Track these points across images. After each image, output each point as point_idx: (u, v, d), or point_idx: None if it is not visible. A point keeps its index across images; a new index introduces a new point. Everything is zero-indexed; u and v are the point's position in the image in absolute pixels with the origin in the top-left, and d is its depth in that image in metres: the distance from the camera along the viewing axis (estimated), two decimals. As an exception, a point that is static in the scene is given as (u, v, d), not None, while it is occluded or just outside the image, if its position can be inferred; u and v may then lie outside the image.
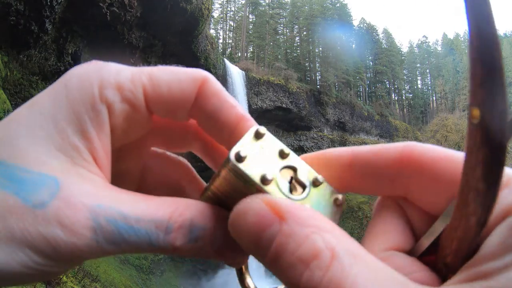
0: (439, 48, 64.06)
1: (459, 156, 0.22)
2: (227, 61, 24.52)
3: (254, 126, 0.25)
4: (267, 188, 0.23)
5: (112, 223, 0.22)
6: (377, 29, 53.89)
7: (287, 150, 0.25)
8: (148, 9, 14.40)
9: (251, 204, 0.21)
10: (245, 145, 0.24)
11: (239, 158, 0.23)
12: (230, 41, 44.89)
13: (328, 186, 0.25)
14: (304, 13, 41.86)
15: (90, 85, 0.25)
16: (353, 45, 48.56)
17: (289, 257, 0.19)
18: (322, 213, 0.22)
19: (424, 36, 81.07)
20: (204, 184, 0.33)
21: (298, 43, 42.39)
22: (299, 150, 31.13)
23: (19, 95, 11.66)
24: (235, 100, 0.28)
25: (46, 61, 12.63)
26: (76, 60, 13.73)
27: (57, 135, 0.23)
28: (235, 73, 24.88)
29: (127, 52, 15.34)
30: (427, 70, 61.18)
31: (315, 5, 41.76)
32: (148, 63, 17.02)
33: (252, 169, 0.23)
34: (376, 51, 51.25)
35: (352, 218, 23.33)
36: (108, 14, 13.01)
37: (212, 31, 39.78)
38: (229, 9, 45.02)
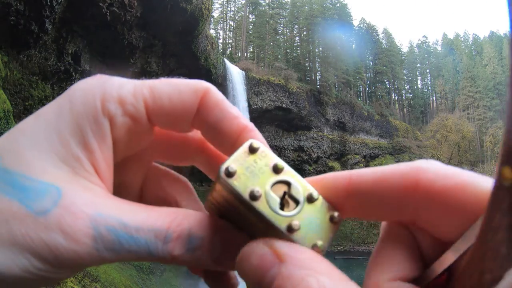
0: (439, 48, 64.04)
1: (473, 183, 0.21)
2: (227, 61, 24.51)
3: (249, 140, 0.25)
4: (255, 204, 0.23)
5: (112, 232, 0.22)
6: (377, 29, 53.87)
7: (281, 164, 0.25)
8: (148, 9, 14.40)
9: (255, 247, 0.22)
10: (237, 160, 0.24)
11: (229, 173, 0.23)
12: (230, 41, 44.91)
13: (324, 202, 0.24)
14: (304, 13, 41.85)
15: (93, 99, 0.25)
16: (353, 45, 48.54)
17: None
18: (313, 231, 0.23)
19: (424, 36, 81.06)
20: (201, 204, 0.33)
21: (298, 43, 42.37)
22: (299, 150, 31.14)
23: (19, 95, 11.66)
24: (237, 110, 0.28)
25: (46, 61, 12.63)
26: (76, 60, 13.74)
27: (60, 146, 0.24)
28: (235, 73, 24.88)
29: (127, 52, 15.34)
30: (427, 70, 61.15)
31: (315, 5, 41.75)
32: (148, 63, 17.02)
33: (242, 184, 0.23)
34: (376, 51, 51.22)
35: (352, 218, 23.32)
36: (108, 14, 13.01)
37: (212, 31, 39.84)
38: (229, 9, 45.04)
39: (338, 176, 0.24)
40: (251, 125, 0.28)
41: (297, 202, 0.24)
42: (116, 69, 16.09)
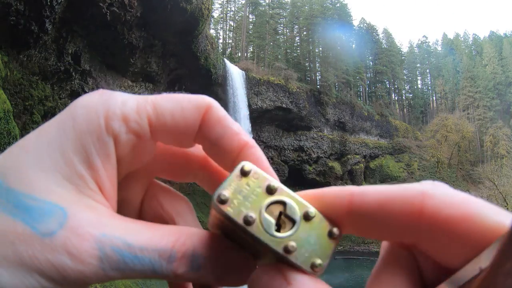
0: (439, 48, 64.05)
1: (480, 214, 0.20)
2: (227, 61, 24.52)
3: (240, 163, 0.25)
4: (250, 228, 0.23)
5: (117, 253, 0.23)
6: (377, 29, 53.91)
7: (275, 184, 0.24)
8: (148, 9, 14.40)
9: (266, 270, 0.23)
10: (230, 185, 0.24)
11: (221, 201, 0.23)
12: (230, 41, 44.92)
13: (322, 219, 0.24)
14: (304, 13, 41.86)
15: (96, 117, 0.25)
16: (353, 45, 48.55)
17: None
18: (312, 249, 0.23)
19: (424, 36, 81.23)
20: (198, 222, 0.33)
21: (298, 43, 42.39)
22: (299, 150, 31.14)
23: (19, 95, 11.66)
24: (239, 126, 0.28)
25: (46, 61, 12.63)
26: (76, 60, 13.74)
27: (64, 165, 0.24)
28: (235, 73, 24.88)
29: (127, 52, 15.35)
30: (427, 70, 61.17)
31: (315, 5, 41.76)
32: (148, 63, 17.02)
33: (235, 210, 0.23)
34: (376, 51, 51.23)
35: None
36: (108, 14, 13.01)
37: (212, 31, 39.81)
38: (229, 9, 45.05)
39: (339, 194, 0.24)
40: (252, 142, 0.28)
41: (293, 221, 0.24)
42: (116, 69, 16.11)
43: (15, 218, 0.22)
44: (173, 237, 0.25)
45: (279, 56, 39.21)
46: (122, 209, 0.29)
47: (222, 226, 0.25)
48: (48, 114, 12.86)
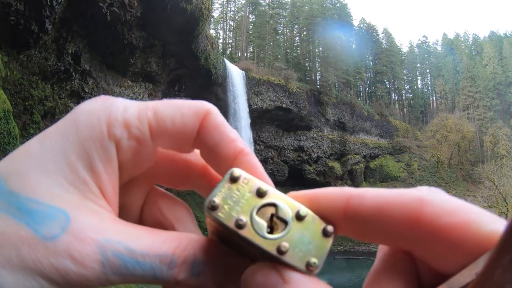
0: (439, 48, 64.09)
1: (477, 222, 0.21)
2: (227, 61, 24.52)
3: (230, 170, 0.25)
4: (242, 232, 0.23)
5: (119, 258, 0.23)
6: (377, 29, 53.93)
7: (265, 187, 0.25)
8: (148, 9, 14.40)
9: (261, 267, 0.23)
10: (220, 191, 0.24)
11: (212, 207, 0.24)
12: (230, 41, 44.93)
13: (314, 217, 0.24)
14: (304, 13, 41.88)
15: (98, 123, 0.26)
16: (353, 45, 48.58)
17: None
18: (305, 249, 0.23)
19: (424, 36, 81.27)
20: (198, 229, 0.34)
21: (298, 43, 42.40)
22: (299, 150, 31.14)
23: (19, 95, 11.66)
24: (236, 133, 0.29)
25: (46, 61, 12.63)
26: (76, 60, 13.74)
27: (67, 170, 0.25)
28: (235, 73, 24.89)
29: (127, 52, 15.35)
30: (427, 70, 61.19)
31: (315, 5, 41.77)
32: (148, 63, 17.02)
33: (227, 215, 0.24)
34: (376, 51, 51.25)
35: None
36: (108, 14, 13.01)
37: (212, 31, 39.82)
38: (229, 9, 45.06)
39: (335, 196, 0.24)
40: (247, 149, 0.28)
41: (285, 222, 0.24)
42: (116, 69, 16.10)
43: (19, 221, 0.22)
44: (174, 243, 0.25)
45: (279, 56, 39.22)
46: (123, 214, 0.29)
47: (218, 232, 0.26)
48: (48, 114, 12.86)
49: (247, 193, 0.24)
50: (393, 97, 54.38)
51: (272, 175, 29.58)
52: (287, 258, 0.23)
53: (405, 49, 62.95)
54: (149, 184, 0.34)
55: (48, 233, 0.22)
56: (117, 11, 13.23)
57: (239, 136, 0.29)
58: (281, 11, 43.20)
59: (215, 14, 43.23)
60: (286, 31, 43.58)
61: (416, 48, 63.65)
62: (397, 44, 57.50)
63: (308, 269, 0.23)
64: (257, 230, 0.23)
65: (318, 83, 37.32)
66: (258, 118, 27.26)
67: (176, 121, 0.27)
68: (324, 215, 0.24)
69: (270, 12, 42.09)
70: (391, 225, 0.22)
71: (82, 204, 0.25)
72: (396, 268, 0.24)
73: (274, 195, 0.25)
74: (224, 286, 0.25)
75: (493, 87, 49.94)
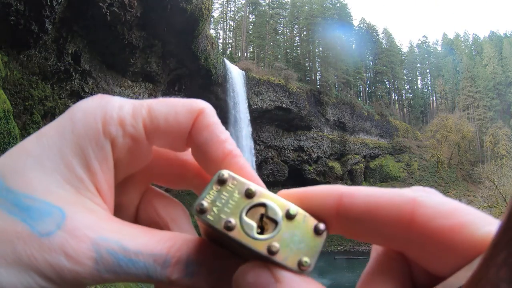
0: (439, 48, 64.09)
1: (471, 225, 0.20)
2: (227, 61, 24.51)
3: (217, 172, 0.25)
4: (232, 234, 0.23)
5: (113, 256, 0.23)
6: (377, 29, 53.92)
7: (254, 187, 0.25)
8: (148, 9, 14.40)
9: (253, 266, 0.23)
10: (208, 194, 0.24)
11: (201, 210, 0.24)
12: (230, 41, 44.92)
13: (305, 216, 0.24)
14: (304, 13, 41.86)
15: (94, 121, 0.26)
16: (353, 45, 48.57)
17: None
18: (297, 248, 0.23)
19: (424, 36, 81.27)
20: (194, 229, 0.33)
21: (298, 43, 42.39)
22: (299, 150, 31.14)
23: (19, 95, 11.66)
24: (227, 135, 0.28)
25: (46, 61, 12.63)
26: (76, 60, 13.74)
27: (64, 167, 0.25)
28: (235, 73, 24.88)
29: (127, 52, 15.34)
30: (427, 70, 61.18)
31: (315, 5, 41.77)
32: (148, 63, 17.02)
33: (216, 218, 0.23)
34: (376, 51, 51.24)
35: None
36: (108, 14, 13.01)
37: (212, 31, 39.81)
38: (229, 9, 45.04)
39: (327, 194, 0.24)
40: (236, 151, 0.28)
41: (275, 222, 0.24)
42: (116, 69, 16.10)
43: (15, 217, 0.23)
44: (168, 243, 0.25)
45: (279, 56, 39.20)
46: (119, 213, 0.30)
47: (210, 234, 0.26)
48: (48, 114, 12.86)
49: (236, 195, 0.24)
50: (393, 97, 54.39)
51: (272, 175, 29.60)
52: (278, 258, 0.22)
53: (405, 49, 63.02)
54: (145, 183, 0.34)
55: (43, 230, 0.22)
56: (117, 11, 13.23)
57: (230, 137, 0.28)
58: (281, 11, 43.18)
59: (215, 14, 43.26)
60: (286, 31, 43.56)
61: (416, 48, 63.65)
62: (397, 44, 57.50)
63: (300, 268, 0.22)
64: (246, 231, 0.23)
65: (318, 83, 37.31)
66: (258, 118, 27.25)
67: (169, 119, 0.27)
68: (316, 213, 0.24)
69: (270, 12, 42.08)
70: (382, 225, 0.22)
71: (78, 202, 0.25)
72: (389, 269, 0.24)
73: (264, 195, 0.24)
74: (218, 287, 0.25)
75: (493, 87, 49.93)
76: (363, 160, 35.83)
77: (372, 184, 34.59)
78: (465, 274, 0.19)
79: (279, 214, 0.24)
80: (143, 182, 0.33)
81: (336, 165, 32.96)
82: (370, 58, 51.80)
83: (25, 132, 11.22)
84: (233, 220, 0.23)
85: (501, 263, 0.16)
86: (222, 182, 0.24)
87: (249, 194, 0.24)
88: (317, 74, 39.40)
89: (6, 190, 0.23)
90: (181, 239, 0.26)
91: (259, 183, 0.26)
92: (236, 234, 0.23)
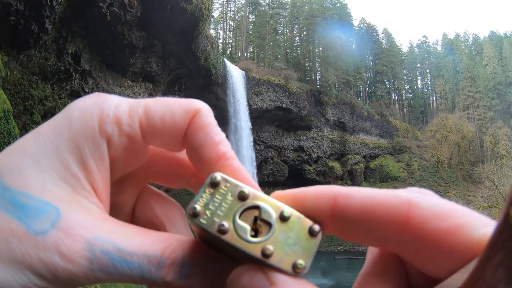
0: (439, 48, 64.10)
1: (467, 226, 0.20)
2: (227, 61, 24.52)
3: (210, 175, 0.25)
4: (225, 237, 0.23)
5: (107, 255, 0.23)
6: (377, 29, 53.93)
7: (247, 190, 0.24)
8: (148, 9, 14.40)
9: (247, 268, 0.23)
10: (201, 197, 0.24)
11: (194, 214, 0.23)
12: (230, 41, 44.93)
13: (300, 217, 0.24)
14: (304, 13, 41.87)
15: (91, 119, 0.26)
16: (353, 45, 48.58)
17: None
18: (291, 250, 0.22)
19: (424, 36, 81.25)
20: (189, 230, 0.33)
21: (298, 43, 42.40)
22: (299, 150, 31.14)
23: (19, 95, 11.66)
24: (222, 136, 0.28)
25: (46, 61, 12.63)
26: (76, 60, 13.74)
27: (60, 165, 0.25)
28: (235, 73, 24.88)
29: (127, 52, 15.34)
30: (427, 70, 61.18)
31: (315, 5, 41.76)
32: (148, 63, 17.02)
33: (209, 221, 0.23)
34: (376, 51, 51.24)
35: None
36: (108, 14, 13.01)
37: (212, 31, 39.80)
38: (229, 9, 45.05)
39: (322, 195, 0.24)
40: (230, 153, 0.28)
41: (269, 224, 0.23)
42: (116, 69, 16.10)
43: (11, 215, 0.22)
44: (163, 244, 0.25)
45: (279, 56, 39.22)
46: (115, 212, 0.29)
47: (204, 238, 0.26)
48: (48, 114, 12.86)
49: (229, 197, 0.24)
50: (393, 97, 54.39)
51: (272, 175, 29.61)
52: (272, 261, 0.22)
53: (405, 49, 63.04)
54: (142, 182, 0.34)
55: (38, 228, 0.22)
56: (117, 11, 13.23)
57: (225, 139, 0.28)
58: (281, 11, 43.19)
59: (215, 14, 43.27)
60: (286, 31, 43.58)
61: (416, 48, 63.66)
62: (397, 44, 57.51)
63: (295, 271, 0.22)
64: (240, 234, 0.23)
65: (318, 83, 37.32)
66: (258, 118, 27.26)
67: (166, 118, 0.27)
68: (311, 215, 0.24)
69: (270, 12, 42.08)
70: (378, 227, 0.22)
71: (74, 200, 0.25)
72: (385, 271, 0.24)
73: (257, 197, 0.24)
74: None
75: (493, 87, 49.92)
76: (363, 160, 35.82)
77: (372, 184, 34.59)
78: (461, 276, 0.19)
79: (273, 216, 0.23)
80: (140, 181, 0.33)
81: (336, 165, 32.96)
82: (370, 58, 51.81)
83: (25, 132, 11.11)
84: (227, 223, 0.23)
85: (498, 264, 0.16)
86: (214, 185, 0.24)
87: (242, 197, 0.24)
88: (317, 74, 39.42)
89: (3, 187, 0.23)
90: (176, 241, 0.25)
91: (253, 185, 0.26)
92: (229, 237, 0.23)
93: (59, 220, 0.23)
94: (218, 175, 0.25)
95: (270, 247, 0.22)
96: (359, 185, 32.82)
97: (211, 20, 35.69)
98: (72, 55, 13.44)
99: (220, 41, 43.21)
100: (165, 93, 19.49)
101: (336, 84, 38.69)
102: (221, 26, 44.82)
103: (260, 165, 29.04)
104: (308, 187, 0.24)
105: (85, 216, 0.24)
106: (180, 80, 20.36)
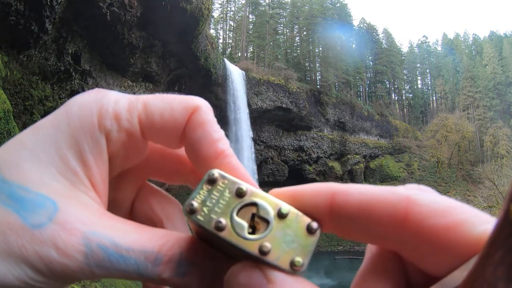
0: (439, 48, 64.12)
1: (466, 223, 0.20)
2: (227, 61, 24.51)
3: (208, 172, 0.25)
4: (222, 234, 0.23)
5: (103, 251, 0.23)
6: (377, 29, 53.92)
7: (245, 186, 0.24)
8: (148, 9, 14.39)
9: (245, 266, 0.22)
10: (199, 194, 0.24)
11: (191, 211, 0.23)
12: (230, 41, 44.92)
13: (298, 214, 0.23)
14: (304, 13, 41.86)
15: (90, 115, 0.26)
16: (353, 45, 48.57)
17: None
18: (289, 248, 0.22)
19: (424, 36, 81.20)
20: (188, 228, 0.32)
21: (298, 43, 42.39)
22: (299, 150, 31.14)
23: (19, 95, 11.66)
24: (221, 133, 0.28)
25: (46, 61, 12.62)
26: (76, 60, 13.74)
27: (58, 160, 0.25)
28: (235, 73, 24.87)
29: (127, 52, 15.34)
30: (427, 70, 61.19)
31: (315, 5, 41.76)
32: (148, 63, 17.02)
33: (206, 218, 0.23)
34: (376, 51, 51.24)
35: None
36: (108, 14, 13.00)
37: (212, 31, 39.82)
38: (229, 9, 45.04)
39: (320, 192, 0.23)
40: (229, 151, 0.27)
41: (267, 221, 0.23)
42: (116, 69, 16.10)
43: (8, 208, 0.23)
44: (160, 241, 0.25)
45: (279, 56, 39.20)
46: (113, 208, 0.29)
47: (201, 235, 0.25)
48: (48, 114, 12.84)
49: (227, 194, 0.24)
50: (393, 97, 54.38)
51: (272, 175, 29.60)
52: (269, 258, 0.22)
53: (405, 49, 63.05)
54: (141, 178, 0.33)
55: (35, 221, 0.22)
56: (117, 11, 13.22)
57: (224, 136, 0.28)
58: (281, 11, 43.18)
59: (215, 14, 43.28)
60: (286, 31, 43.57)
61: (416, 48, 63.66)
62: (397, 44, 57.50)
63: (293, 268, 0.22)
64: (237, 231, 0.23)
65: (318, 83, 37.30)
66: (258, 118, 27.26)
67: (165, 115, 0.27)
68: (309, 212, 0.23)
69: (270, 12, 42.07)
70: (376, 224, 0.22)
71: (72, 195, 0.25)
72: (384, 269, 0.23)
73: (255, 194, 0.24)
74: None
75: (493, 87, 49.91)
76: (363, 160, 35.82)
77: (372, 184, 34.43)
78: (461, 274, 0.19)
79: (271, 213, 0.23)
80: (139, 178, 0.33)
81: (336, 165, 32.96)
82: (370, 58, 51.80)
83: (25, 132, 11.19)
84: (224, 220, 0.23)
85: (498, 262, 0.16)
86: (212, 181, 0.24)
87: (240, 194, 0.24)
88: (317, 74, 39.41)
89: (1, 181, 0.23)
90: (173, 238, 0.25)
91: (251, 182, 0.26)
92: (227, 234, 0.23)
93: (56, 214, 0.23)
94: (216, 172, 0.24)
95: (268, 245, 0.22)
96: (359, 185, 32.42)
97: (211, 20, 35.70)
98: (72, 55, 13.44)
99: (220, 41, 43.23)
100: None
101: (336, 84, 38.68)
102: (221, 26, 44.85)
103: (260, 165, 29.03)
104: (305, 184, 0.24)
105: (83, 211, 0.24)
106: (180, 80, 20.36)
